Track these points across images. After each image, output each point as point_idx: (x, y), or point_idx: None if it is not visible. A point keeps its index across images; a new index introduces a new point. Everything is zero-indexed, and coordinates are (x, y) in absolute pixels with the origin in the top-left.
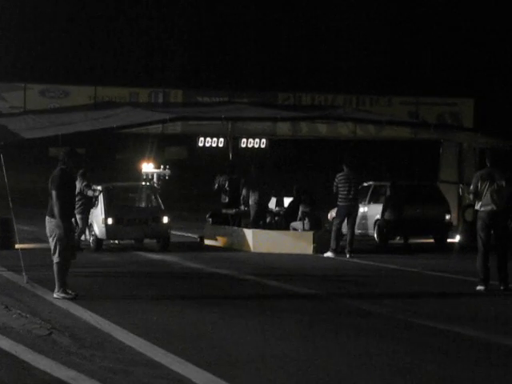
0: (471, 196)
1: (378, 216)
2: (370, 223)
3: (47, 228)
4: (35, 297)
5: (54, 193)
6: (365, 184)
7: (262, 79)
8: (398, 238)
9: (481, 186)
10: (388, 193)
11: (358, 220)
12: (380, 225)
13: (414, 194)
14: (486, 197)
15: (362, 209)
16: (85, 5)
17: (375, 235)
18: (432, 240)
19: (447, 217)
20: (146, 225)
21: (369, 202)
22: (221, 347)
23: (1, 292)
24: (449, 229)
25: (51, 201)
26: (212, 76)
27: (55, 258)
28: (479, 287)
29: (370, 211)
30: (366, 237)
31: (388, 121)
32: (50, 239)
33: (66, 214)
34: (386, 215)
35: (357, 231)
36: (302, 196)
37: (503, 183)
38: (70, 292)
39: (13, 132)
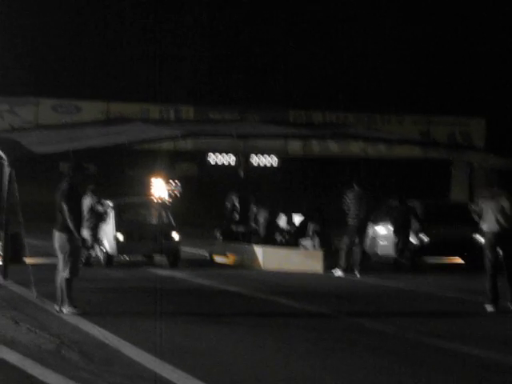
0: (476, 217)
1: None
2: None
3: (57, 243)
4: (44, 311)
5: (65, 207)
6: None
7: (273, 97)
8: (428, 258)
9: (485, 206)
10: (418, 212)
11: (386, 241)
12: (410, 245)
13: (445, 213)
14: (491, 218)
15: (387, 229)
16: (98, 22)
17: (404, 256)
18: (462, 261)
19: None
20: (156, 241)
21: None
22: (229, 364)
23: (10, 306)
24: (479, 249)
25: (60, 215)
26: (223, 93)
27: (66, 274)
28: (489, 308)
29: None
30: (389, 257)
31: (399, 140)
32: (61, 255)
33: (78, 228)
34: (417, 235)
35: (383, 252)
36: (313, 214)
37: (507, 203)
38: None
39: (24, 147)
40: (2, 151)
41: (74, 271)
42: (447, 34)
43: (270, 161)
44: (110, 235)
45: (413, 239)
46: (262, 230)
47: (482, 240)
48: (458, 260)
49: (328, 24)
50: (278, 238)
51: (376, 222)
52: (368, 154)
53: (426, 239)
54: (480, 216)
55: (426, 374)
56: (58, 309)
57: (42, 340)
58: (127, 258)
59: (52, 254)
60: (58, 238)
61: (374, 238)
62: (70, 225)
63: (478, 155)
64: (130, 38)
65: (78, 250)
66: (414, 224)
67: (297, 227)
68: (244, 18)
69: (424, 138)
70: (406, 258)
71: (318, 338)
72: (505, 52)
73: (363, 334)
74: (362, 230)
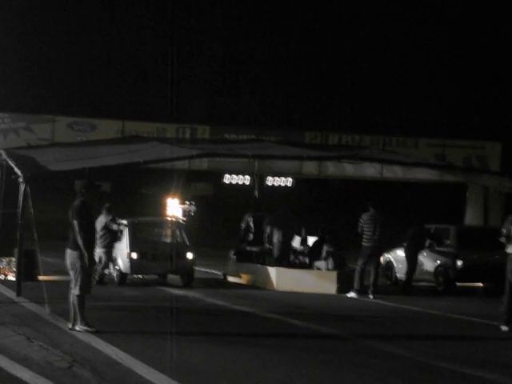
0: (503, 239)
1: (439, 261)
2: (430, 268)
3: (68, 260)
4: (57, 329)
5: (76, 223)
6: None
7: (289, 118)
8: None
9: None
10: (454, 236)
11: (401, 264)
12: (444, 271)
13: (479, 238)
14: None
15: (402, 253)
16: (114, 41)
17: (437, 281)
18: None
19: None
20: (170, 260)
21: (429, 246)
22: None
23: (23, 323)
24: None
25: (72, 233)
26: (239, 113)
27: (76, 291)
28: (503, 328)
29: (430, 255)
30: (421, 282)
31: (414, 162)
32: (72, 272)
33: (89, 245)
34: (453, 260)
35: (399, 274)
36: (327, 235)
37: None
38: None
39: (40, 164)
40: (18, 168)
41: (84, 289)
42: (464, 58)
43: (285, 181)
44: (123, 254)
45: (447, 263)
46: (275, 251)
47: None
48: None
49: (345, 46)
50: (292, 258)
51: (395, 244)
52: (383, 177)
53: (459, 264)
54: (509, 239)
55: None
56: (70, 326)
57: (55, 357)
58: (141, 277)
59: (65, 272)
60: (69, 255)
61: (391, 261)
62: (80, 242)
63: (493, 179)
64: (147, 57)
65: (88, 268)
66: (431, 247)
67: (310, 248)
68: (261, 40)
69: (439, 161)
70: (438, 283)
71: (330, 360)
72: None
73: (374, 357)
74: (376, 252)
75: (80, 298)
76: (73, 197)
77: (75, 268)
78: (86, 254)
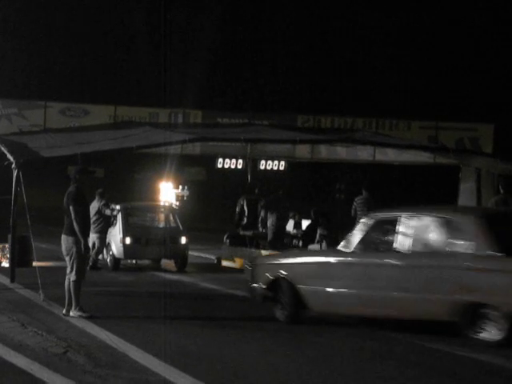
0: None
1: None
2: None
3: (63, 246)
4: (51, 315)
5: (72, 209)
6: None
7: (281, 101)
8: None
9: None
10: None
11: None
12: None
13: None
14: None
15: None
16: (106, 25)
17: None
18: None
19: None
20: (163, 245)
21: None
22: (236, 369)
23: (17, 309)
24: None
25: (68, 219)
26: (232, 97)
27: (72, 276)
28: None
29: None
30: None
31: (407, 145)
32: (67, 258)
33: (84, 231)
34: None
35: None
36: (320, 219)
37: None
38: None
39: (32, 150)
40: (11, 154)
41: (80, 274)
42: (456, 39)
43: (277, 165)
44: (117, 239)
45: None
46: (269, 235)
47: None
48: None
49: (337, 29)
50: (286, 242)
51: None
52: (376, 159)
53: None
54: None
55: (432, 379)
56: (65, 312)
57: (49, 343)
58: (134, 262)
59: (59, 258)
60: (64, 241)
61: None
62: (76, 228)
63: (486, 161)
64: (139, 42)
65: (84, 253)
66: None
67: (304, 232)
68: (253, 24)
69: (432, 143)
70: None
71: (325, 344)
72: None
73: (372, 340)
74: None
75: (76, 283)
76: (65, 182)
77: (71, 253)
78: (82, 240)
